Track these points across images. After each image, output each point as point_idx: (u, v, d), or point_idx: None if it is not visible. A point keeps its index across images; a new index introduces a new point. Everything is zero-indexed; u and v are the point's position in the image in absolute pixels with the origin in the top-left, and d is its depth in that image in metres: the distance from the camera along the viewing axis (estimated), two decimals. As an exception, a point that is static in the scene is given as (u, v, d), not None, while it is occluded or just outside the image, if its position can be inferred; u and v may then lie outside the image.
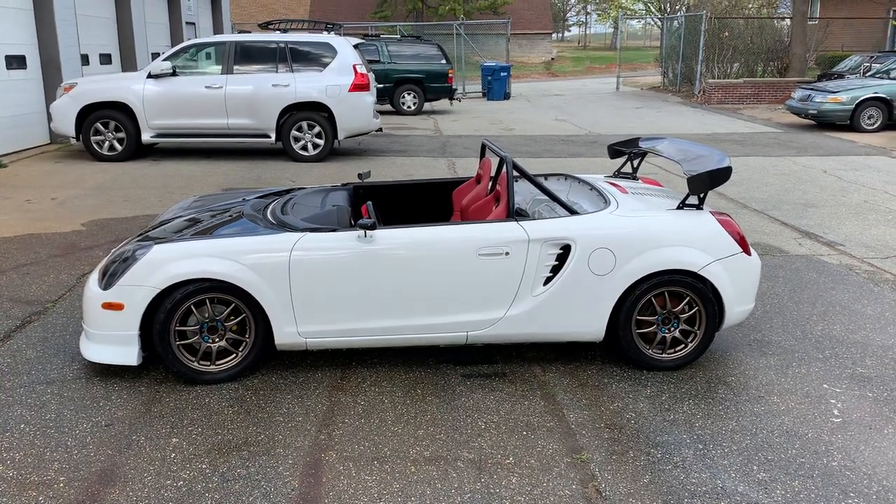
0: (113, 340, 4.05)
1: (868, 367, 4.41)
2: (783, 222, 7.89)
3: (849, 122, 15.06)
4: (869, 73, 17.47)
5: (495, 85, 23.29)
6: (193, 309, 4.05)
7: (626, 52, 54.11)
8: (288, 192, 5.24)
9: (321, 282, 4.05)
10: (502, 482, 3.26)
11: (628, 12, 49.06)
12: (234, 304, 4.07)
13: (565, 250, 4.19)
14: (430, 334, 4.20)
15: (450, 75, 19.22)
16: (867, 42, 25.63)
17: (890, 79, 15.62)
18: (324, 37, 11.42)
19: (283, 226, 4.23)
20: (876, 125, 15.07)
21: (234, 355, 4.16)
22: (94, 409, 3.84)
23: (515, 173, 5.02)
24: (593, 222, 4.21)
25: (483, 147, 5.29)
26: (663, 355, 4.35)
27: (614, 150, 5.55)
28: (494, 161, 5.20)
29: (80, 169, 10.62)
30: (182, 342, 4.08)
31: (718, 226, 4.29)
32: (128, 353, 4.06)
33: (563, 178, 5.38)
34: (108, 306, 4.00)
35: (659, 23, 56.04)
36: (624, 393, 4.09)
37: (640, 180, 5.39)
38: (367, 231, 4.06)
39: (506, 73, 23.50)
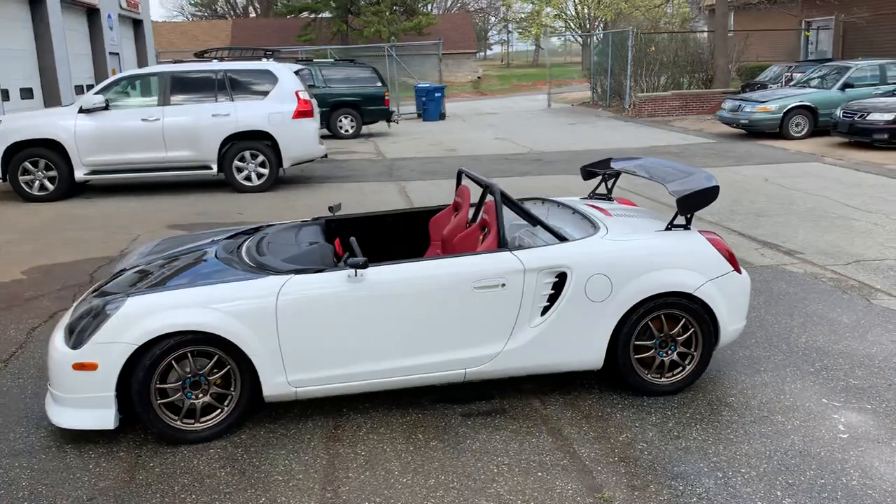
0: (87, 403, 3.73)
1: (860, 378, 4.43)
2: (740, 233, 8.00)
3: (778, 130, 15.57)
4: (792, 83, 18.15)
5: (430, 105, 23.28)
6: (174, 364, 3.76)
7: (553, 70, 55.07)
8: (257, 230, 4.99)
9: (310, 327, 3.83)
10: (529, 530, 3.10)
11: (549, 30, 50.07)
12: (217, 356, 3.80)
13: (561, 278, 4.08)
14: (427, 374, 4.02)
15: (386, 97, 19.10)
16: (781, 52, 26.71)
17: (814, 88, 16.24)
18: (263, 64, 11.14)
19: (263, 268, 4.00)
20: (803, 132, 15.63)
21: (220, 410, 3.89)
22: (72, 483, 3.51)
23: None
24: (587, 248, 4.12)
25: (459, 174, 5.16)
26: (662, 379, 4.27)
27: (587, 172, 5.49)
28: (473, 188, 5.06)
29: (9, 211, 10.03)
30: (163, 400, 3.78)
31: (709, 245, 4.26)
32: (104, 417, 3.74)
33: (539, 203, 5.29)
34: (80, 367, 3.68)
35: (579, 40, 57.44)
36: (630, 422, 3.99)
37: (615, 201, 5.34)
38: (358, 270, 3.86)
39: (440, 94, 23.52)
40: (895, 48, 20.84)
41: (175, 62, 11.38)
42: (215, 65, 10.99)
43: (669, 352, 4.25)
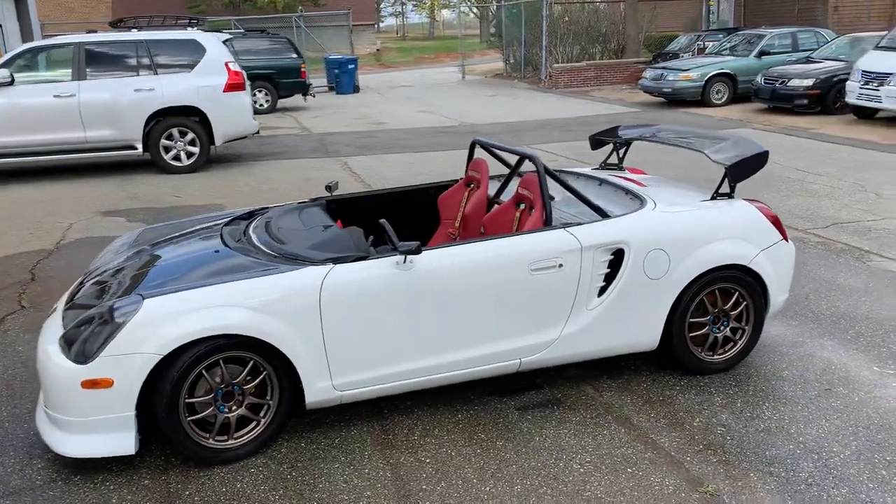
0: (101, 427, 3.16)
1: (899, 344, 4.38)
2: (710, 200, 7.94)
3: (700, 97, 15.84)
4: (706, 52, 18.53)
5: (343, 78, 22.51)
6: (204, 374, 3.23)
7: (451, 42, 54.77)
8: (251, 215, 4.43)
9: (358, 322, 3.38)
10: (649, 536, 2.80)
11: (444, 1, 49.56)
12: (252, 362, 3.30)
13: (617, 256, 3.78)
14: (480, 367, 3.65)
15: (303, 70, 18.25)
16: (680, 22, 27.33)
17: (731, 56, 16.61)
18: (189, 33, 10.27)
19: (292, 258, 3.50)
20: (723, 99, 15.98)
21: (256, 423, 3.39)
22: (100, 524, 2.95)
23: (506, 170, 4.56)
24: (642, 222, 3.84)
25: (472, 146, 4.76)
26: (714, 357, 4.07)
27: (596, 141, 5.21)
28: (491, 161, 4.67)
29: None
30: (192, 417, 3.25)
31: (760, 214, 4.07)
32: (123, 441, 3.18)
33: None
34: (92, 384, 3.10)
35: (476, 11, 57.13)
36: (696, 405, 3.76)
37: (626, 170, 5.09)
38: (410, 256, 3.43)
39: (353, 66, 22.79)
40: (794, 17, 21.67)
41: (88, 31, 10.32)
42: (135, 35, 10.03)
43: (722, 327, 4.05)
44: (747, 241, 3.97)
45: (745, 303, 4.04)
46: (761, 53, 16.13)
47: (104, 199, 8.69)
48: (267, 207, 4.59)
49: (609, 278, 3.80)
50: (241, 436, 3.36)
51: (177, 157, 10.23)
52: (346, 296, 3.34)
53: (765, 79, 14.58)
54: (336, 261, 3.41)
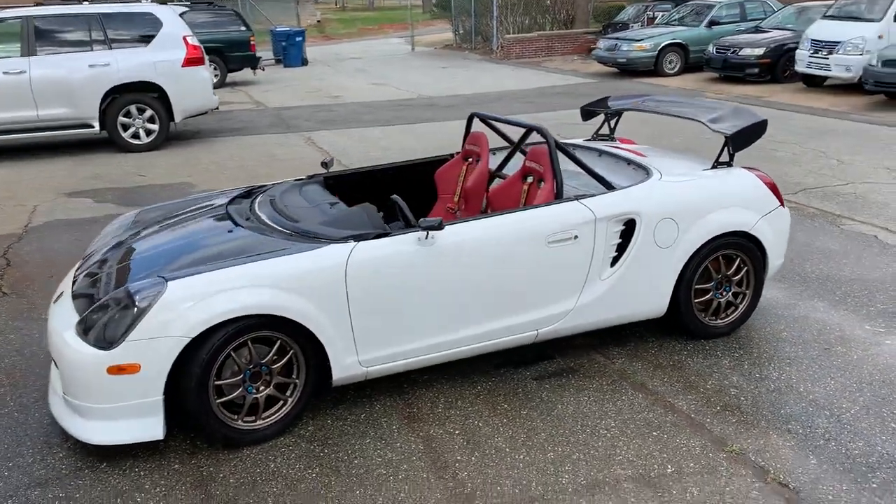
0: (128, 413, 3.09)
1: (885, 303, 4.58)
2: (680, 169, 8.11)
3: (653, 67, 16.06)
4: (657, 22, 18.75)
5: (291, 51, 22.06)
6: (233, 355, 3.19)
7: (393, 13, 54.18)
8: (249, 193, 4.36)
9: (382, 298, 3.37)
10: (687, 497, 2.90)
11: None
12: (279, 341, 3.27)
13: (628, 226, 3.85)
14: (500, 339, 3.69)
15: (252, 42, 17.82)
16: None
17: (681, 26, 16.85)
18: (144, 5, 9.92)
19: (311, 236, 3.46)
20: (676, 69, 16.24)
21: (283, 403, 3.37)
22: (139, 510, 2.90)
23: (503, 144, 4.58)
24: (652, 192, 3.91)
25: (470, 119, 4.75)
26: (718, 321, 4.20)
27: (587, 112, 5.26)
28: (490, 135, 4.67)
29: None
30: (221, 399, 3.21)
31: (760, 181, 4.18)
32: (151, 426, 3.13)
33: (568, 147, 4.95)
34: (118, 370, 3.03)
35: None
36: (705, 368, 3.88)
37: (617, 140, 5.15)
38: (432, 231, 3.43)
39: (300, 38, 22.35)
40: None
41: (37, 4, 9.87)
42: (87, 7, 9.64)
43: (724, 293, 4.17)
44: (749, 208, 4.08)
45: (746, 268, 4.17)
46: (711, 23, 16.42)
47: (65, 180, 8.40)
48: (265, 185, 4.52)
49: (620, 248, 3.86)
50: (269, 416, 3.34)
51: (135, 135, 9.92)
52: (371, 272, 3.33)
53: (716, 48, 14.85)
54: (358, 238, 3.39)
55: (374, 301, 3.35)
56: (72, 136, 9.69)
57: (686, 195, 3.95)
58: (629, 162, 4.39)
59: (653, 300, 3.97)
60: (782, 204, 4.24)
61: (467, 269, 3.51)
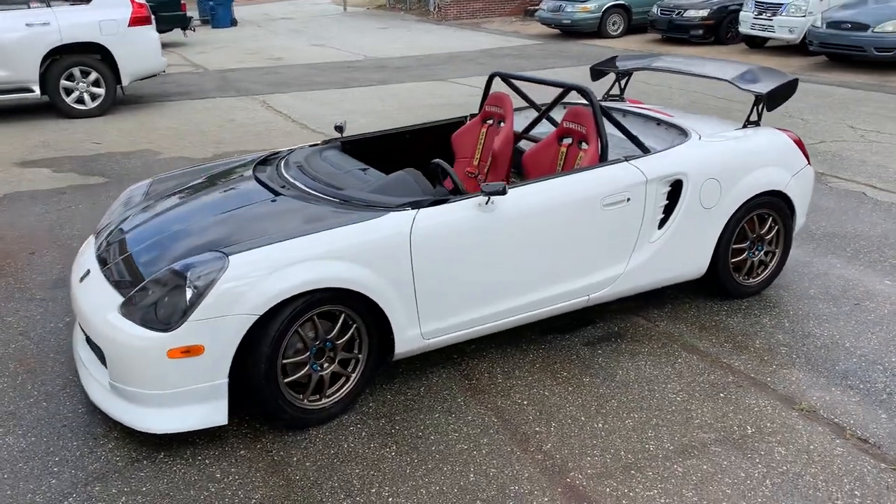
0: (191, 398, 2.88)
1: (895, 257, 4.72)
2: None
3: (597, 29, 16.11)
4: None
5: (220, 11, 21.17)
6: (300, 331, 3.01)
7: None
8: (265, 161, 4.11)
9: (445, 266, 3.24)
10: (775, 456, 2.91)
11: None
12: (343, 315, 3.09)
13: (674, 187, 3.81)
14: (555, 305, 3.62)
15: (182, 2, 16.95)
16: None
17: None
18: (84, -40, 9.22)
19: (365, 204, 3.27)
20: (619, 30, 16.35)
21: (346, 379, 3.21)
22: (217, 500, 2.70)
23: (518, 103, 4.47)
24: (696, 152, 3.88)
25: (491, 79, 4.59)
26: (750, 280, 4.23)
27: (597, 71, 5.18)
28: (509, 94, 4.53)
29: None
30: (289, 379, 3.03)
31: (790, 140, 4.20)
32: (216, 411, 2.92)
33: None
34: (181, 352, 2.81)
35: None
36: (749, 328, 3.91)
37: (627, 101, 5.11)
38: (494, 196, 3.30)
39: (229, -2, 21.42)
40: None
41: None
42: (21, -40, 8.90)
43: (757, 252, 4.20)
44: (782, 166, 4.10)
45: (777, 227, 4.20)
46: (653, -16, 16.52)
47: (13, 149, 7.80)
48: (279, 151, 4.28)
49: (667, 210, 3.82)
50: (333, 393, 3.18)
51: (80, 100, 9.31)
52: (434, 240, 3.18)
53: (661, 10, 14.99)
54: (415, 205, 3.23)
55: (438, 270, 3.21)
56: (10, 100, 8.99)
57: (728, 155, 3.94)
58: (659, 122, 4.35)
59: (695, 261, 3.96)
60: (809, 162, 4.27)
61: (526, 234, 3.40)
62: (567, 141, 3.97)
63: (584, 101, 4.46)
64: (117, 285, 3.08)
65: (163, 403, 2.87)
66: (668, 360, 3.60)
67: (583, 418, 3.17)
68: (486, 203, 3.31)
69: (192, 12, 21.74)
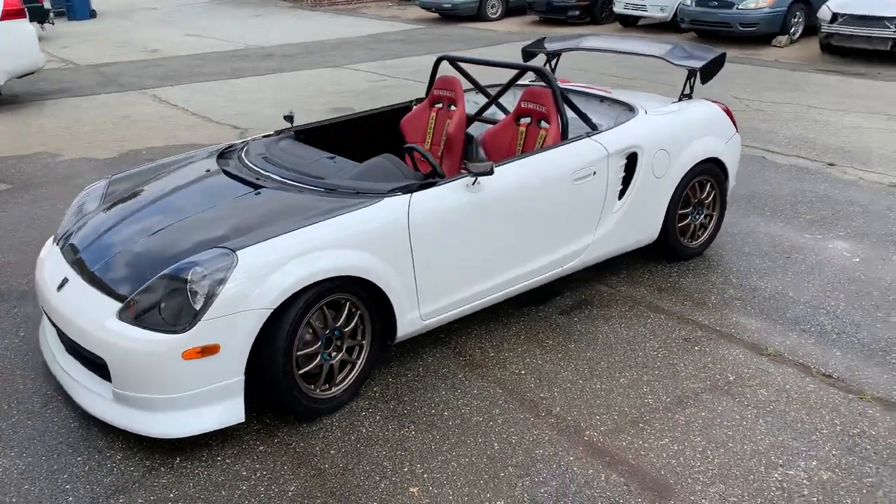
0: (208, 398, 2.83)
1: (809, 213, 5.20)
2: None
3: (476, 12, 16.40)
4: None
5: (77, 2, 19.89)
6: (311, 322, 3.01)
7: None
8: (224, 154, 4.03)
9: (440, 247, 3.32)
10: (760, 399, 3.21)
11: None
12: (347, 303, 3.12)
13: (630, 160, 4.05)
14: (537, 277, 3.79)
15: (39, -7, 15.82)
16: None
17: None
18: (-56, -52, 8.47)
19: (353, 192, 3.30)
20: (498, 13, 16.72)
21: (351, 366, 3.24)
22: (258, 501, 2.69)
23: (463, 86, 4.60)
24: (648, 126, 4.13)
25: (437, 63, 4.66)
26: (693, 243, 4.56)
27: (528, 53, 5.36)
28: (455, 78, 4.63)
29: None
30: (302, 371, 3.03)
31: (722, 111, 4.54)
32: (233, 409, 2.89)
33: (520, 89, 4.98)
34: (197, 353, 2.75)
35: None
36: (702, 286, 4.22)
37: (559, 80, 5.32)
38: (480, 177, 3.40)
39: (86, -13, 20.16)
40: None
41: None
42: None
43: (698, 216, 4.52)
44: (717, 135, 4.43)
45: (714, 192, 4.54)
46: (527, -33, 16.98)
47: None
48: (232, 144, 4.19)
49: (624, 182, 4.05)
50: (341, 381, 3.20)
51: (-50, 101, 8.56)
52: (429, 223, 3.26)
53: (539, -8, 15.43)
54: (405, 189, 3.28)
55: (434, 252, 3.29)
56: None
57: (673, 127, 4.21)
58: (602, 99, 4.57)
59: (650, 228, 4.22)
60: (737, 130, 4.63)
61: (509, 211, 3.53)
62: (525, 121, 4.12)
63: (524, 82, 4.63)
64: (108, 290, 2.96)
65: (178, 407, 2.80)
66: (639, 322, 3.84)
67: (580, 381, 3.34)
68: (473, 184, 3.40)
69: (47, 4, 20.33)
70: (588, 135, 3.91)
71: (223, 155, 3.99)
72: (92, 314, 2.91)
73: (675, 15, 13.16)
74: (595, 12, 15.00)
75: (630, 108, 4.32)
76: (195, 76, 11.15)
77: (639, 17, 14.29)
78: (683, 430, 2.99)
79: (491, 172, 3.34)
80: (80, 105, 9.36)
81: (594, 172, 3.83)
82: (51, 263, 3.34)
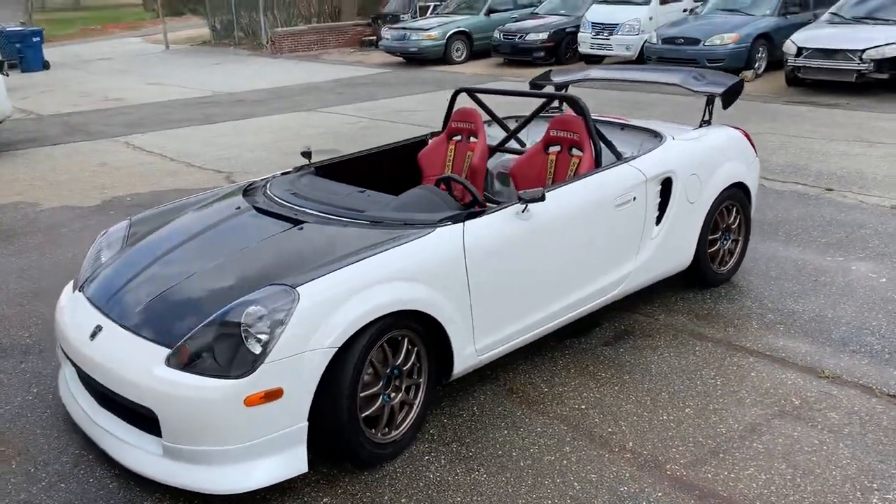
0: (271, 448, 2.61)
1: (825, 237, 5.21)
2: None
3: (442, 55, 16.53)
4: (437, 13, 19.24)
5: (30, 53, 19.48)
6: (373, 361, 2.83)
7: (107, 12, 50.33)
8: (247, 192, 3.85)
9: (494, 278, 3.19)
10: (833, 422, 3.11)
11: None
12: (407, 339, 2.95)
13: (664, 185, 3.99)
14: (581, 308, 3.67)
15: (-7, 45, 15.44)
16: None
17: (460, 15, 17.50)
18: None
19: (401, 223, 3.15)
20: (463, 56, 16.87)
21: (409, 407, 3.05)
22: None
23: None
24: (679, 152, 4.09)
25: (455, 95, 4.58)
26: (722, 268, 4.50)
27: (535, 85, 5.31)
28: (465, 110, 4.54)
29: None
30: (365, 413, 2.84)
31: (743, 136, 4.54)
32: (296, 459, 2.68)
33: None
34: (260, 399, 2.55)
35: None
36: (739, 311, 4.17)
37: (566, 112, 5.29)
38: (531, 204, 3.29)
39: (39, 39, 19.83)
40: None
41: None
42: None
43: (726, 241, 4.48)
44: (740, 160, 4.42)
45: (740, 216, 4.51)
46: (490, 11, 17.26)
47: None
48: (253, 182, 4.02)
49: (659, 208, 3.99)
50: (401, 423, 3.00)
51: (-86, 153, 8.18)
52: (483, 252, 3.13)
53: (503, 34, 15.64)
54: (454, 219, 3.15)
55: (488, 282, 3.15)
56: None
57: (702, 152, 4.18)
58: (623, 127, 4.53)
59: (685, 254, 4.16)
60: (756, 154, 4.63)
61: (557, 239, 3.43)
62: (555, 149, 4.04)
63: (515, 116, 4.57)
64: (152, 337, 2.74)
65: (239, 459, 2.58)
66: (687, 350, 3.74)
67: (646, 414, 3.21)
68: (524, 211, 3.28)
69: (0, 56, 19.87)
70: (626, 160, 3.84)
71: (247, 192, 3.81)
72: (137, 363, 2.68)
73: (642, 52, 13.43)
74: (559, 53, 15.22)
75: (656, 135, 4.28)
76: (166, 123, 10.91)
77: (604, 57, 14.54)
78: (766, 459, 2.87)
79: (543, 198, 3.23)
80: (52, 154, 9.05)
81: (634, 198, 3.75)
82: (77, 311, 3.10)
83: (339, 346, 2.65)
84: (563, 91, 5.12)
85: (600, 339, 3.88)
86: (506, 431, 3.11)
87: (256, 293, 2.67)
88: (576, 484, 2.77)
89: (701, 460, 2.88)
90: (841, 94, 10.49)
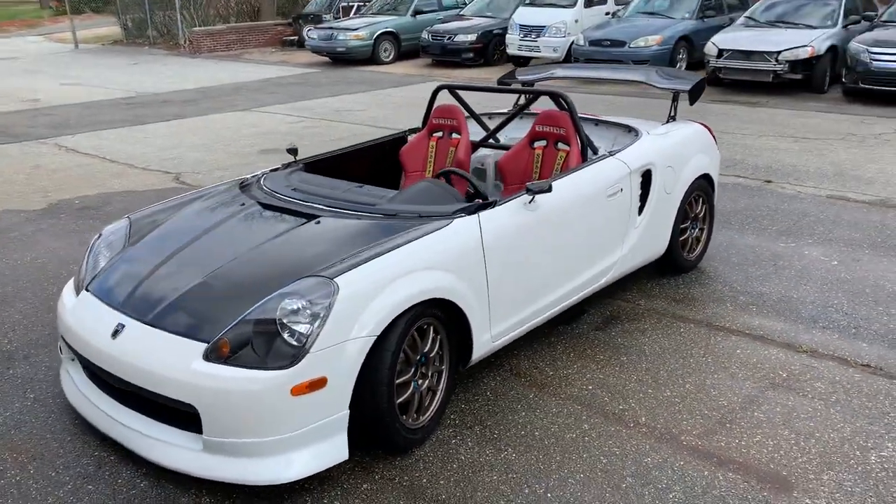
0: (313, 437, 2.65)
1: (775, 224, 5.57)
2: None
3: (370, 55, 16.54)
4: (361, 13, 19.19)
5: (-73, 52, 18.31)
6: (406, 348, 2.91)
7: (9, 9, 47.70)
8: (244, 188, 3.85)
9: (507, 267, 3.32)
10: (819, 389, 3.38)
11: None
12: (432, 327, 3.05)
13: (645, 177, 4.21)
14: (582, 293, 3.86)
15: None
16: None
17: (387, 16, 17.55)
18: None
19: (416, 215, 3.24)
20: (391, 57, 16.92)
21: (433, 393, 3.14)
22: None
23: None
24: (656, 145, 4.31)
25: (435, 92, 4.67)
26: (690, 256, 4.77)
27: (504, 84, 5.47)
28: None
29: None
30: (400, 399, 2.91)
31: (706, 130, 4.82)
32: (338, 447, 2.73)
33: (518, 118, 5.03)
34: (305, 388, 2.59)
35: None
36: (713, 294, 4.42)
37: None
38: (538, 195, 3.43)
39: (-64, 37, 18.62)
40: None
41: None
42: None
43: (693, 230, 4.75)
44: (705, 153, 4.69)
45: (705, 206, 4.79)
46: (416, 12, 17.37)
47: None
48: (245, 178, 4.01)
49: (641, 198, 4.20)
50: (428, 409, 3.09)
51: None
52: (498, 241, 3.25)
53: (432, 35, 15.78)
54: (468, 210, 3.26)
55: (502, 270, 3.27)
56: None
57: (675, 146, 4.42)
58: (597, 123, 4.74)
59: (661, 242, 4.39)
60: (717, 147, 4.92)
61: (559, 228, 3.58)
62: (541, 143, 4.20)
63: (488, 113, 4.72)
64: (185, 332, 2.73)
65: (281, 449, 2.61)
66: (674, 332, 3.96)
67: (650, 391, 3.40)
68: (530, 202, 3.42)
69: None
70: (611, 154, 4.03)
71: (243, 190, 3.80)
72: (172, 359, 2.67)
73: (569, 54, 13.82)
74: (488, 54, 15.48)
75: (630, 130, 4.50)
76: (94, 124, 10.53)
77: (531, 58, 14.88)
78: (769, 426, 3.10)
79: (550, 190, 3.37)
80: (28, 151, 8.64)
81: (621, 189, 3.95)
82: (89, 311, 3.04)
83: (378, 334, 2.71)
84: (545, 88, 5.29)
85: (591, 325, 4.05)
86: (524, 413, 3.23)
87: (293, 285, 2.70)
88: (602, 458, 2.91)
89: (711, 431, 3.08)
90: (760, 94, 11.12)
